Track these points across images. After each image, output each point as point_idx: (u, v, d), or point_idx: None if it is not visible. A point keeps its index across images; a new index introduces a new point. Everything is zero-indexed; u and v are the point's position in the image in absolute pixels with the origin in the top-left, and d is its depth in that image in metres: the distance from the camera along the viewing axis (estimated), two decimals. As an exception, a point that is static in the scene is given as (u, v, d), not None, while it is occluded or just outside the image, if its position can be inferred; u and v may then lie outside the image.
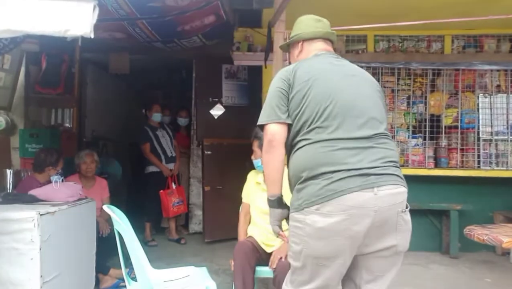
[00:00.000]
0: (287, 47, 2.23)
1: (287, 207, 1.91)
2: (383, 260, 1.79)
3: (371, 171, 1.69)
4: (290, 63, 2.17)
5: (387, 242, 1.75)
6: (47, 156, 3.61)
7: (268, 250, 2.88)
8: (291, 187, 1.88)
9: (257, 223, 2.97)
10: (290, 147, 1.88)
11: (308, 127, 1.79)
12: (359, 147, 1.72)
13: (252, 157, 2.98)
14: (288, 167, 1.91)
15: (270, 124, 1.85)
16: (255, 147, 2.92)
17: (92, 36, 2.32)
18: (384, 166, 1.72)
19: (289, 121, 1.84)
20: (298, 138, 1.82)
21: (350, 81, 1.89)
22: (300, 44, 2.11)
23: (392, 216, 1.72)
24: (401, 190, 1.75)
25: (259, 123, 1.90)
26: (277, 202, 1.92)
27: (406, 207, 1.79)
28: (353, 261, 1.79)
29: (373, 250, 1.76)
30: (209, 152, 5.20)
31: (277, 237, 2.04)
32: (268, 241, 2.88)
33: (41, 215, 2.53)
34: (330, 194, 1.66)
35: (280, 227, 1.97)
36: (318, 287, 1.78)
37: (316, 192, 1.69)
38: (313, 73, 1.86)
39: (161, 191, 5.16)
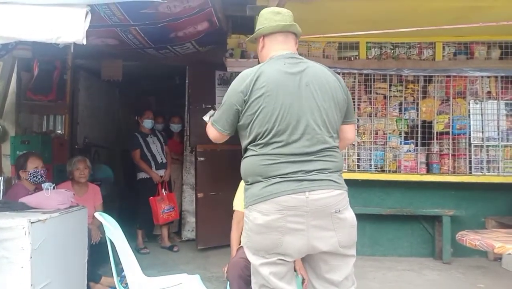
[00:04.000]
0: (254, 41, 2.27)
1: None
2: (334, 255, 1.93)
3: (305, 177, 1.88)
4: None
5: (329, 240, 1.89)
6: (16, 162, 3.69)
7: None
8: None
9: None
10: (243, 150, 2.06)
11: (256, 141, 1.96)
12: (299, 161, 1.90)
13: None
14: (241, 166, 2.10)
15: (216, 131, 2.09)
16: None
17: (85, 43, 2.32)
18: (319, 174, 1.90)
19: (230, 134, 2.09)
20: (249, 146, 2.01)
21: (303, 95, 1.95)
22: (261, 39, 2.17)
23: (326, 217, 1.88)
24: (333, 194, 1.90)
25: (211, 121, 2.11)
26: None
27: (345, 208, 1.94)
28: (310, 256, 1.96)
29: (320, 251, 1.91)
30: (202, 159, 5.18)
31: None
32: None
33: (32, 223, 2.50)
34: (266, 195, 1.87)
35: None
36: (266, 278, 1.92)
37: (257, 192, 1.91)
38: (267, 89, 1.93)
39: (151, 197, 5.13)
